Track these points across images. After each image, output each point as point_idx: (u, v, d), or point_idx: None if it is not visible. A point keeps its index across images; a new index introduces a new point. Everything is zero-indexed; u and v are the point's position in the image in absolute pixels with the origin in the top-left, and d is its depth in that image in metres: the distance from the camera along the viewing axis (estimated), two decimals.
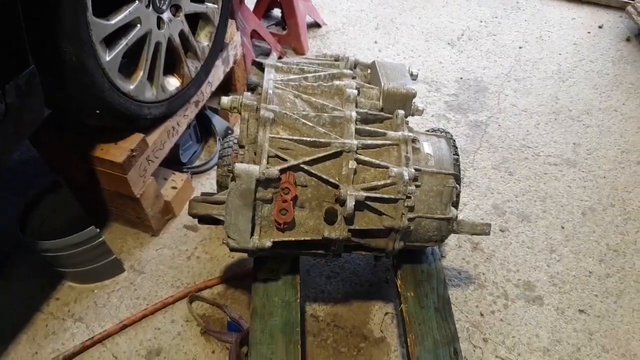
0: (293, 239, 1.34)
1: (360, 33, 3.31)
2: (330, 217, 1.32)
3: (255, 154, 1.31)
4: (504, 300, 1.89)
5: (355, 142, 1.32)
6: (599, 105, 2.78)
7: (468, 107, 2.75)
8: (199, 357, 1.69)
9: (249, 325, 1.44)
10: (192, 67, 1.94)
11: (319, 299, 1.87)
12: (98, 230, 1.72)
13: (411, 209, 1.36)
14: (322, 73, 1.51)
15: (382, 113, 1.46)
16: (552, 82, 2.94)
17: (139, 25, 1.59)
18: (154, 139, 1.83)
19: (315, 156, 1.31)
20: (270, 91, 1.38)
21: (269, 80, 1.43)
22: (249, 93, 1.47)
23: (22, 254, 1.96)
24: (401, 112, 1.45)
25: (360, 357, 1.72)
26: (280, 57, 1.63)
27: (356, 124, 1.37)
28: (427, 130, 1.76)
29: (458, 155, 1.72)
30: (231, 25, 2.27)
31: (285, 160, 1.30)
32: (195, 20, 1.95)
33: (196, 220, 1.46)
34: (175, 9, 1.77)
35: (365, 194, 1.30)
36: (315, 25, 3.34)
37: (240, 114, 1.40)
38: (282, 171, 1.28)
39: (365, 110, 1.43)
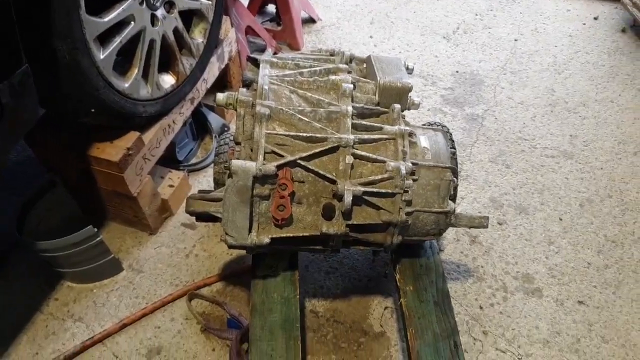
0: (291, 235, 1.34)
1: (355, 28, 3.30)
2: (328, 213, 1.32)
3: (251, 150, 1.31)
4: (503, 293, 1.90)
5: (351, 136, 1.32)
6: (595, 97, 2.78)
7: (464, 101, 2.74)
8: (200, 354, 1.69)
9: (249, 322, 1.44)
10: (186, 64, 1.93)
11: (318, 295, 1.87)
12: (96, 229, 1.71)
13: (409, 203, 1.36)
14: (317, 68, 1.50)
15: (378, 107, 1.46)
16: (548, 74, 2.94)
17: (132, 22, 1.58)
18: (150, 137, 1.83)
19: (312, 152, 1.30)
20: (266, 87, 1.38)
21: (264, 76, 1.42)
22: (244, 89, 1.46)
23: (20, 254, 1.96)
24: (397, 106, 1.44)
25: (361, 352, 1.72)
26: (275, 53, 1.62)
27: (352, 118, 1.37)
28: (424, 124, 1.76)
29: (455, 148, 1.72)
30: (225, 22, 2.26)
31: (282, 156, 1.29)
32: (189, 17, 1.94)
33: (194, 218, 1.45)
34: (169, 5, 1.76)
35: (362, 188, 1.30)
36: (310, 20, 3.32)
37: (236, 110, 1.39)
38: (279, 167, 1.28)
39: (361, 105, 1.42)
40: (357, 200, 1.31)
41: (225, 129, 2.45)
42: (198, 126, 2.39)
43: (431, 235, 1.49)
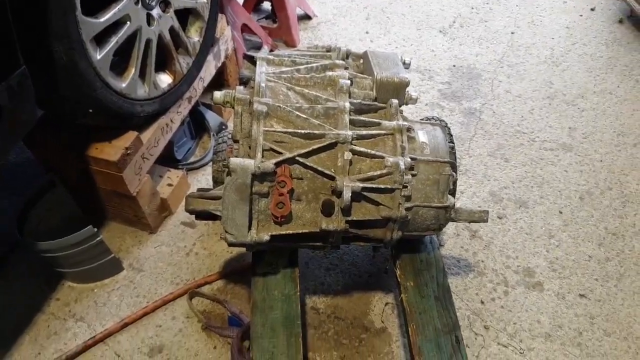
0: (291, 232, 1.34)
1: (351, 24, 3.29)
2: (327, 209, 1.32)
3: (249, 148, 1.31)
4: (504, 287, 1.90)
5: (349, 132, 1.32)
6: (594, 89, 2.78)
7: (462, 95, 2.74)
8: (201, 352, 1.70)
9: (250, 320, 1.44)
10: (183, 63, 1.93)
11: (319, 291, 1.87)
12: (96, 229, 1.71)
13: (408, 198, 1.36)
14: (314, 64, 1.50)
15: (375, 103, 1.46)
16: (545, 66, 2.93)
17: (128, 22, 1.58)
18: (148, 137, 1.82)
19: (310, 148, 1.30)
20: (263, 84, 1.38)
21: (261, 74, 1.42)
22: (241, 87, 1.46)
23: (20, 254, 1.96)
24: (395, 101, 1.44)
25: (362, 348, 1.72)
26: (271, 50, 1.62)
27: (350, 114, 1.37)
28: (422, 119, 1.76)
29: (453, 143, 1.72)
30: (221, 20, 2.26)
31: (280, 153, 1.29)
32: (185, 16, 1.94)
33: (193, 216, 1.46)
34: (165, 5, 1.76)
35: (361, 184, 1.30)
36: (306, 17, 3.32)
37: (233, 108, 1.39)
38: (278, 164, 1.28)
39: (359, 101, 1.42)
40: (356, 196, 1.31)
41: (223, 127, 2.45)
42: (196, 125, 2.39)
43: (431, 231, 1.49)
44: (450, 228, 2.08)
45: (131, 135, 1.75)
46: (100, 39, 1.50)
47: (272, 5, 3.07)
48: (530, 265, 1.96)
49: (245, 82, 1.51)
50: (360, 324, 1.78)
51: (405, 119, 1.45)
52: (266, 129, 1.30)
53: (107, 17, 1.48)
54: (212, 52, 2.17)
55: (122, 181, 1.75)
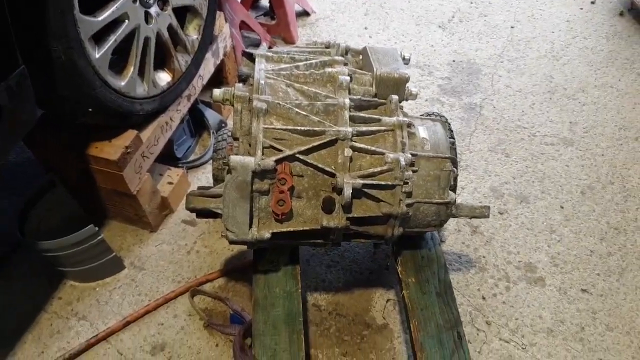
0: (292, 229, 1.34)
1: (349, 19, 3.28)
2: (328, 206, 1.32)
3: (249, 145, 1.30)
4: (506, 283, 1.90)
5: (349, 129, 1.31)
6: (595, 83, 2.77)
7: (462, 90, 2.73)
8: (203, 350, 1.70)
9: (252, 317, 1.44)
10: (182, 61, 1.92)
11: (320, 288, 1.87)
12: (97, 228, 1.71)
13: (409, 194, 1.35)
14: (313, 61, 1.49)
15: (375, 99, 1.45)
16: (545, 61, 2.92)
17: (126, 20, 1.57)
18: (148, 135, 1.82)
19: (310, 145, 1.30)
20: (262, 81, 1.37)
21: (260, 71, 1.41)
22: (240, 84, 1.45)
23: (22, 254, 1.96)
24: (395, 97, 1.44)
25: (364, 345, 1.72)
26: (270, 47, 1.61)
27: (350, 111, 1.36)
28: (422, 115, 1.75)
29: (454, 138, 1.72)
30: (219, 17, 2.25)
31: (280, 150, 1.29)
32: (183, 14, 1.93)
33: (194, 214, 1.46)
34: (163, 2, 1.75)
35: (362, 181, 1.29)
36: (304, 13, 3.31)
37: (232, 106, 1.39)
38: (278, 162, 1.28)
39: (358, 97, 1.42)
40: (357, 193, 1.31)
41: (223, 124, 2.44)
42: (195, 123, 2.39)
43: (432, 227, 1.48)
44: (451, 224, 2.07)
45: (131, 134, 1.75)
46: (99, 37, 1.50)
47: (270, 1, 3.06)
48: (531, 261, 1.96)
49: (244, 79, 1.51)
50: (361, 320, 1.78)
51: (405, 114, 1.44)
52: (266, 126, 1.30)
53: (105, 15, 1.48)
54: (210, 50, 2.17)
55: (123, 180, 1.75)
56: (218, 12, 2.20)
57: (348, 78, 1.42)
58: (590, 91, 2.71)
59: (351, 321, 1.78)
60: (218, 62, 2.30)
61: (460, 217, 1.51)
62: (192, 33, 1.99)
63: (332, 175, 1.30)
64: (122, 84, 1.62)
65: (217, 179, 1.68)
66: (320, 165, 1.30)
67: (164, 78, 1.87)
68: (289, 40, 3.04)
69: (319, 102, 1.37)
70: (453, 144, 1.63)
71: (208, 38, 2.08)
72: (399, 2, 3.42)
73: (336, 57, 1.50)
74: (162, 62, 1.86)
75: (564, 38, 3.08)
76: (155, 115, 1.87)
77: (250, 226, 1.31)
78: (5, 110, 1.21)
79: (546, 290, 1.88)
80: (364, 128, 1.36)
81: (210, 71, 2.24)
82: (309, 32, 3.18)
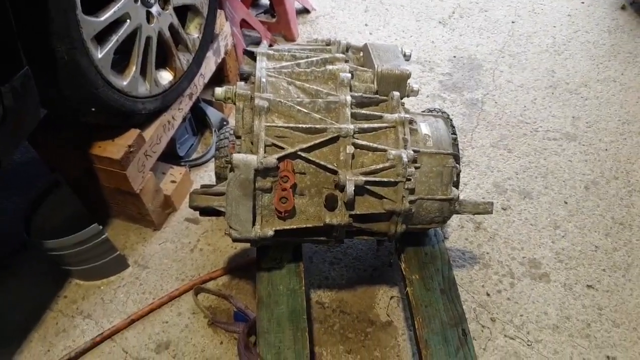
0: (295, 226, 1.34)
1: (350, 16, 3.27)
2: (330, 203, 1.32)
3: (252, 143, 1.30)
4: (510, 279, 1.89)
5: (351, 126, 1.31)
6: (597, 77, 2.76)
7: (463, 86, 2.73)
8: (208, 348, 1.70)
9: (256, 315, 1.45)
10: (183, 59, 1.93)
11: (324, 286, 1.88)
12: (101, 227, 1.72)
13: (411, 191, 1.35)
14: (314, 58, 1.49)
15: (377, 96, 1.45)
16: (547, 55, 2.91)
17: (128, 20, 1.57)
18: (151, 134, 1.83)
19: (312, 143, 1.30)
20: (264, 79, 1.37)
21: (261, 69, 1.42)
22: (242, 83, 1.45)
23: (27, 253, 1.97)
24: (396, 93, 1.44)
25: (368, 342, 1.72)
26: (270, 45, 1.61)
27: (351, 108, 1.36)
28: (424, 111, 1.75)
29: (456, 134, 1.72)
30: (220, 16, 2.25)
31: (283, 148, 1.29)
32: (184, 13, 1.93)
33: (197, 212, 1.46)
34: (164, 2, 1.75)
35: (364, 178, 1.29)
36: (305, 11, 3.30)
37: (234, 104, 1.39)
38: (280, 159, 1.28)
39: (360, 94, 1.42)
40: (359, 190, 1.31)
41: (225, 123, 2.45)
42: (197, 121, 2.39)
43: (435, 223, 1.48)
44: (454, 220, 2.07)
45: (133, 133, 1.75)
46: (101, 37, 1.50)
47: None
48: (536, 257, 1.96)
49: (245, 77, 1.51)
50: (365, 317, 1.78)
51: (407, 111, 1.44)
52: (268, 124, 1.30)
53: (107, 15, 1.48)
54: (211, 49, 2.17)
55: (126, 179, 1.76)
56: (219, 11, 2.20)
57: (349, 75, 1.41)
58: (592, 85, 2.70)
59: (355, 318, 1.78)
60: (219, 60, 2.30)
61: (464, 213, 1.51)
62: (193, 32, 1.99)
63: (335, 172, 1.31)
64: (125, 83, 1.63)
65: (220, 177, 1.68)
66: (322, 163, 1.30)
67: (165, 77, 1.87)
68: (289, 37, 3.04)
69: (320, 100, 1.37)
70: (455, 140, 1.63)
71: (209, 37, 2.08)
72: None
73: (337, 55, 1.50)
74: (164, 61, 1.87)
75: (565, 32, 3.07)
76: (158, 114, 1.88)
77: (254, 224, 1.31)
78: (10, 110, 1.21)
79: (551, 286, 1.87)
80: (365, 125, 1.36)
81: (212, 70, 2.24)
82: (309, 29, 3.18)
